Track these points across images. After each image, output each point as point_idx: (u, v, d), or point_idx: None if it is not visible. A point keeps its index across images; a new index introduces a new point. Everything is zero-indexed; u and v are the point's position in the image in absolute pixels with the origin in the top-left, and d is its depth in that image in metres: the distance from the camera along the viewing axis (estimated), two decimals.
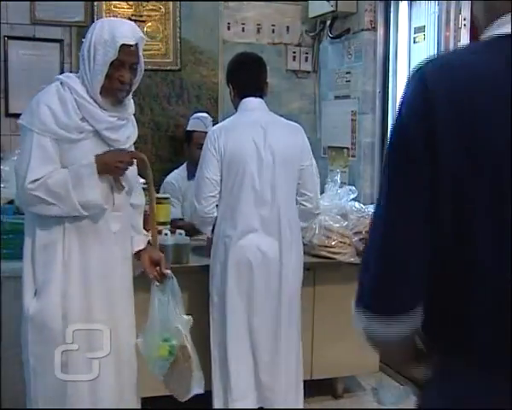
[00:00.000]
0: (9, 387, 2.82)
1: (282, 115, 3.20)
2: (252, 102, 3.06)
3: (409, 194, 1.04)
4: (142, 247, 2.51)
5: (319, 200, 3.24)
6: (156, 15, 4.21)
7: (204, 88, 4.46)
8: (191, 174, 3.82)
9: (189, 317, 2.40)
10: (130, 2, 4.15)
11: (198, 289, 3.04)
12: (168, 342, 2.33)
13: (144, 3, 4.17)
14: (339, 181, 3.93)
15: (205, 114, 3.93)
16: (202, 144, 3.68)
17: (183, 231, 3.19)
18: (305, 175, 3.10)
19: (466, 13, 3.45)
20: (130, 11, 4.15)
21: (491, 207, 1.01)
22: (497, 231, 1.00)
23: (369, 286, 1.08)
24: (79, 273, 2.27)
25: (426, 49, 3.75)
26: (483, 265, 1.02)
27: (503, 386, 1.03)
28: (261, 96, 3.09)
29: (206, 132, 3.62)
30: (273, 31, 4.56)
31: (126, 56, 2.25)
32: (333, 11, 4.16)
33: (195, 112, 3.99)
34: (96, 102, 2.27)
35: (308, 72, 4.65)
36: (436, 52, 3.57)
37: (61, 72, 3.95)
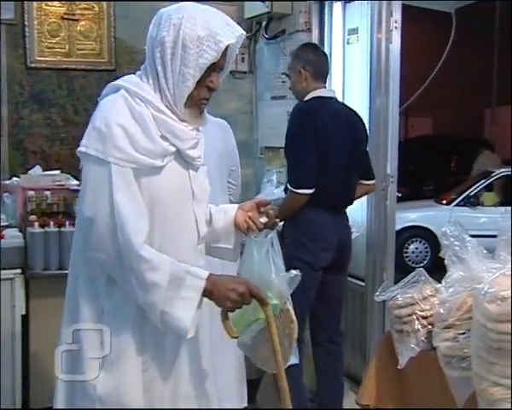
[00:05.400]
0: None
1: (219, 116, 3.20)
2: None
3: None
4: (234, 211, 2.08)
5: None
6: (90, 14, 4.11)
7: None
8: None
9: (296, 272, 1.93)
10: (63, 1, 4.05)
11: None
12: (270, 302, 1.87)
13: (77, 2, 4.08)
14: (275, 181, 3.98)
15: None
16: None
17: None
18: (233, 175, 3.26)
19: (397, 15, 3.53)
20: (63, 10, 4.04)
21: (328, 160, 3.05)
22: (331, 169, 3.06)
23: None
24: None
25: (359, 51, 3.82)
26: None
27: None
28: None
29: None
30: None
31: (222, 58, 1.81)
32: (268, 12, 4.19)
33: None
34: (173, 113, 1.77)
35: (245, 72, 4.66)
36: (370, 53, 3.64)
37: None
